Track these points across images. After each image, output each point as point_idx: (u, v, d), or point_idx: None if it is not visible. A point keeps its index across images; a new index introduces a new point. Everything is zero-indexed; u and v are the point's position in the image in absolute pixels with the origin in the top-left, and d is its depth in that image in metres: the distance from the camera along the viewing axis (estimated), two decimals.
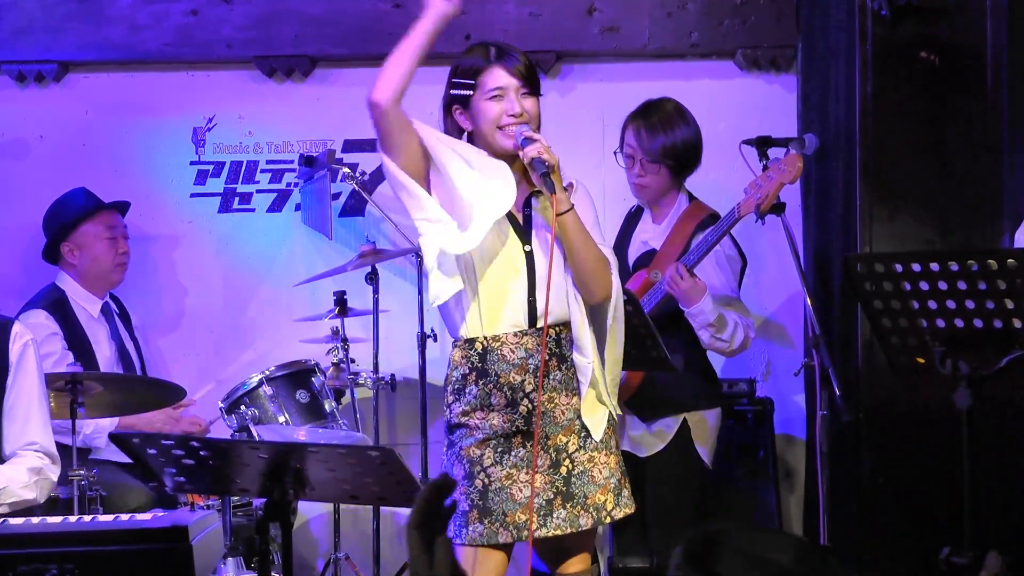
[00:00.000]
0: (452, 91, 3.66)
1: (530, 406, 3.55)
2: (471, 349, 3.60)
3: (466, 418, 3.60)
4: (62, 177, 5.70)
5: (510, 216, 3.61)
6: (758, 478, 5.17)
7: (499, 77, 3.61)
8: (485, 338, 3.59)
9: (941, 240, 4.60)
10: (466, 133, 3.66)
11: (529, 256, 3.61)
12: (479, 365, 3.59)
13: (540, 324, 3.56)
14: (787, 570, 2.03)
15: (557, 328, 3.61)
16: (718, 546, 2.05)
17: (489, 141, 3.61)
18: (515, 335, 3.58)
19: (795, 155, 4.37)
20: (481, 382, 3.58)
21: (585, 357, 3.60)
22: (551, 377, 3.59)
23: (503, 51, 3.65)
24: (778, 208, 4.44)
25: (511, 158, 3.60)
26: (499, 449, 3.56)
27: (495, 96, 3.60)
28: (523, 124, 3.56)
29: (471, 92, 3.62)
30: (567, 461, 3.59)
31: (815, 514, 4.56)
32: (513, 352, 3.58)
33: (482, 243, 3.54)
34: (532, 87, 3.64)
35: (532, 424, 3.55)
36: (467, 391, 3.60)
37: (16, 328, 3.79)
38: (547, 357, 3.58)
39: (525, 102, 3.61)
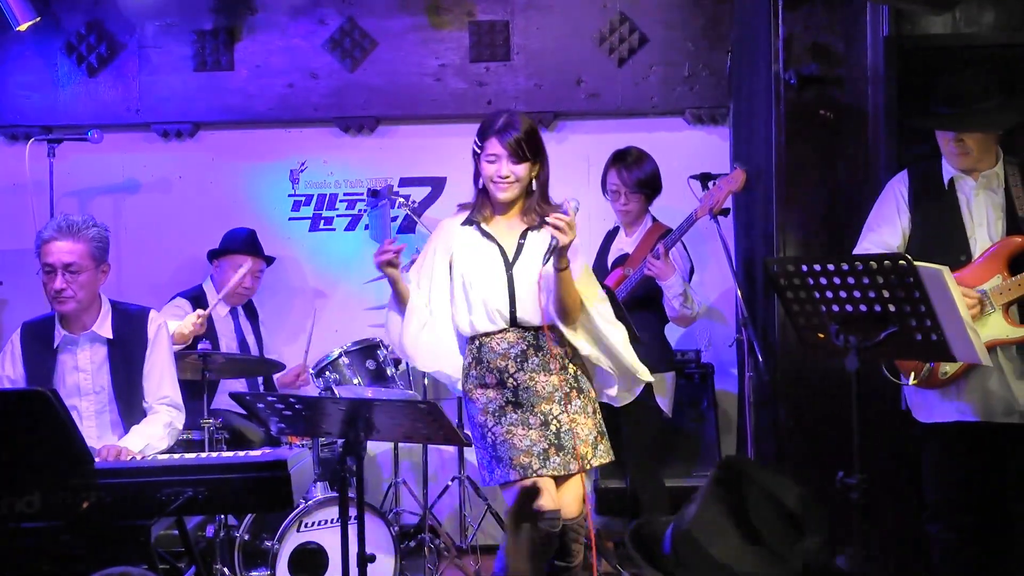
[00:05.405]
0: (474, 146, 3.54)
1: (514, 383, 3.48)
2: (472, 344, 3.55)
3: (469, 394, 3.54)
4: (196, 208, 5.72)
5: (500, 248, 3.53)
6: (702, 422, 5.15)
7: (494, 146, 3.47)
8: (477, 335, 3.53)
9: (835, 248, 4.57)
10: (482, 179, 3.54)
11: (511, 280, 3.50)
12: (476, 355, 3.53)
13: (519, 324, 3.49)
14: (790, 511, 1.97)
15: (533, 328, 3.50)
16: (744, 477, 1.97)
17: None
18: (499, 332, 3.51)
19: (740, 170, 4.41)
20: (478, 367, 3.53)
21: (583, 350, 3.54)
22: (530, 362, 3.49)
23: (505, 125, 3.47)
24: (725, 211, 4.51)
25: (505, 205, 3.53)
26: (497, 415, 3.48)
27: (491, 160, 3.48)
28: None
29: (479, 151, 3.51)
30: (554, 422, 3.47)
31: (744, 448, 4.54)
32: (498, 344, 3.51)
33: (473, 266, 3.49)
34: (519, 157, 3.46)
35: (519, 396, 3.47)
36: (470, 374, 3.55)
37: (152, 315, 3.87)
38: (525, 347, 3.49)
39: (514, 167, 3.47)
